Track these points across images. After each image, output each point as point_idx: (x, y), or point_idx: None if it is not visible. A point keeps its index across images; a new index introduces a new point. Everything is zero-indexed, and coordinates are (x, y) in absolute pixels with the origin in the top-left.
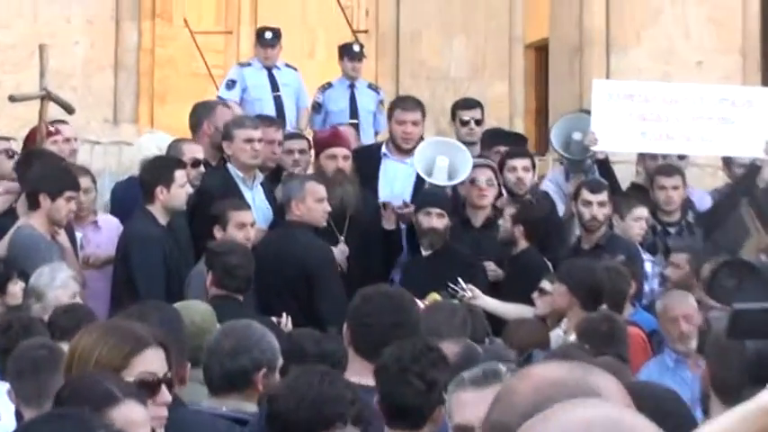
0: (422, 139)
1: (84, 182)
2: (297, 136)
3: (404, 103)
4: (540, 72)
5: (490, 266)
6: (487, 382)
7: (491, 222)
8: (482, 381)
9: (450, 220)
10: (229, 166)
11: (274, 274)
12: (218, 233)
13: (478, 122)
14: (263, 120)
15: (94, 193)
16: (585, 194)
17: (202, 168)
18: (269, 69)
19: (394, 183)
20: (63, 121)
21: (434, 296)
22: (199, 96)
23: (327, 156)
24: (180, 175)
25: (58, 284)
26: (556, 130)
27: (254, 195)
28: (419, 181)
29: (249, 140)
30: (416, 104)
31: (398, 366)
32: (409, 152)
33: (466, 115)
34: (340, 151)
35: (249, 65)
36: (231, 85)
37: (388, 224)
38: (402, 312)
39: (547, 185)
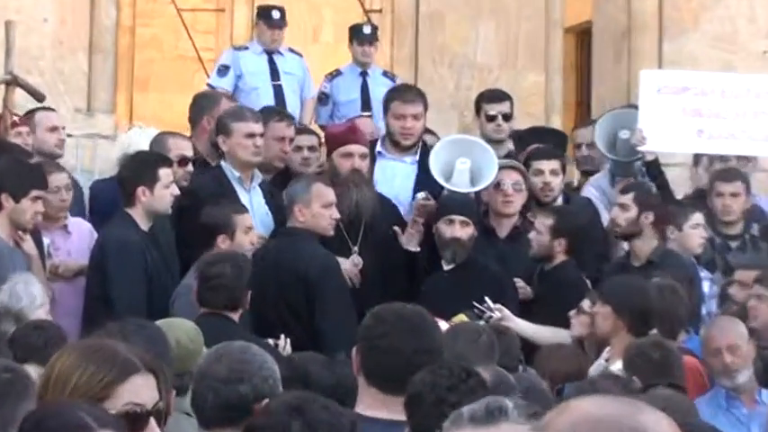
0: (432, 135)
1: (57, 179)
2: (306, 131)
3: (403, 93)
4: (582, 60)
5: (519, 284)
6: (490, 421)
7: (518, 233)
8: (484, 419)
9: (476, 228)
10: (224, 164)
11: (272, 290)
12: (223, 244)
13: (507, 117)
14: (272, 113)
15: (70, 193)
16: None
17: (191, 167)
18: (270, 54)
19: (392, 184)
20: (49, 108)
21: (461, 317)
22: (185, 83)
23: (342, 154)
24: (165, 173)
25: (39, 303)
26: (600, 127)
27: (252, 198)
28: (420, 181)
29: (250, 135)
30: (417, 95)
31: (434, 396)
32: (409, 149)
33: (492, 109)
34: (357, 149)
35: (246, 48)
36: (223, 71)
37: (411, 244)
38: (423, 335)
39: (589, 191)
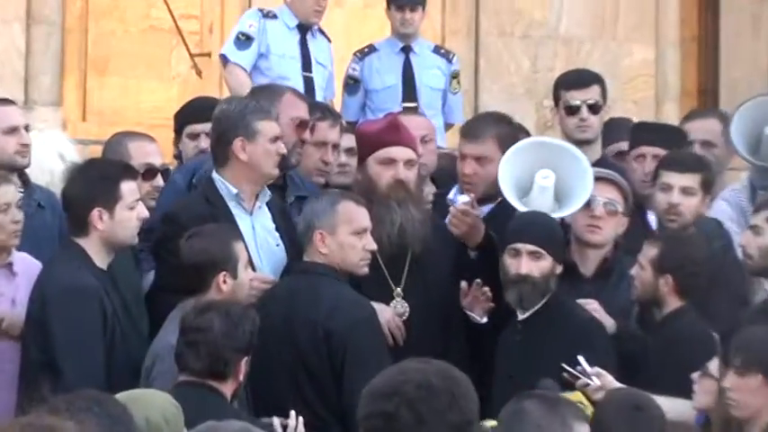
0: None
1: (3, 194)
2: (319, 107)
3: (467, 127)
4: (707, 32)
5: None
6: None
7: (609, 270)
8: None
9: (558, 260)
10: (216, 176)
11: (281, 351)
12: (225, 285)
13: (595, 109)
14: (312, 108)
15: (21, 214)
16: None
17: (160, 180)
18: (303, 33)
19: None
20: (7, 101)
21: (578, 396)
22: (159, 65)
23: (379, 160)
24: (129, 189)
25: None
26: (737, 121)
27: (255, 223)
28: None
29: (276, 139)
30: (488, 124)
31: None
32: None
33: (573, 98)
34: (401, 153)
35: (275, 17)
36: (245, 41)
37: (476, 310)
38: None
39: (719, 209)
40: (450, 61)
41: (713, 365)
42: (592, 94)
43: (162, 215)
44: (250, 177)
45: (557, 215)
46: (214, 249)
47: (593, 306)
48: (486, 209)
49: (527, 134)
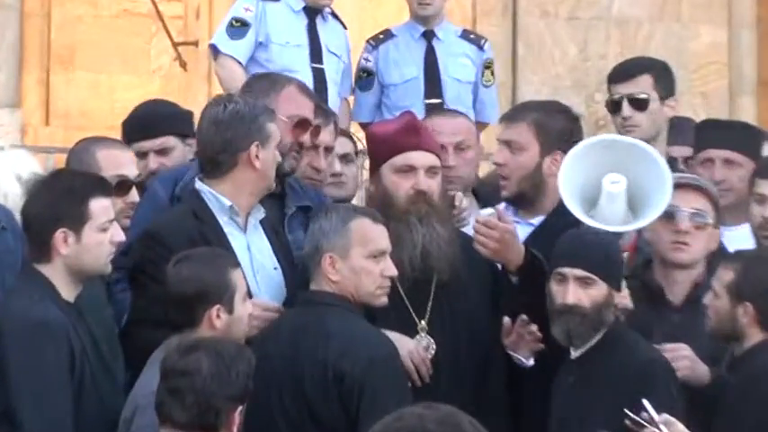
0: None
1: None
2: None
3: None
4: None
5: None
6: None
7: (698, 296)
8: None
9: (614, 286)
10: (202, 187)
11: (282, 396)
12: (218, 321)
13: (640, 104)
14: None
15: None
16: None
17: (135, 195)
18: (311, 16)
19: None
20: None
21: None
22: (136, 56)
23: (397, 167)
24: (100, 207)
25: None
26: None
27: (250, 242)
28: (538, 244)
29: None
30: (523, 111)
31: None
32: (534, 205)
33: (619, 90)
34: (421, 158)
35: None
36: (239, 28)
37: (524, 352)
38: None
39: None
40: (481, 48)
41: None
42: (635, 86)
43: (140, 234)
44: (254, 188)
45: (630, 227)
46: (208, 278)
47: (682, 353)
48: (533, 223)
49: (580, 129)
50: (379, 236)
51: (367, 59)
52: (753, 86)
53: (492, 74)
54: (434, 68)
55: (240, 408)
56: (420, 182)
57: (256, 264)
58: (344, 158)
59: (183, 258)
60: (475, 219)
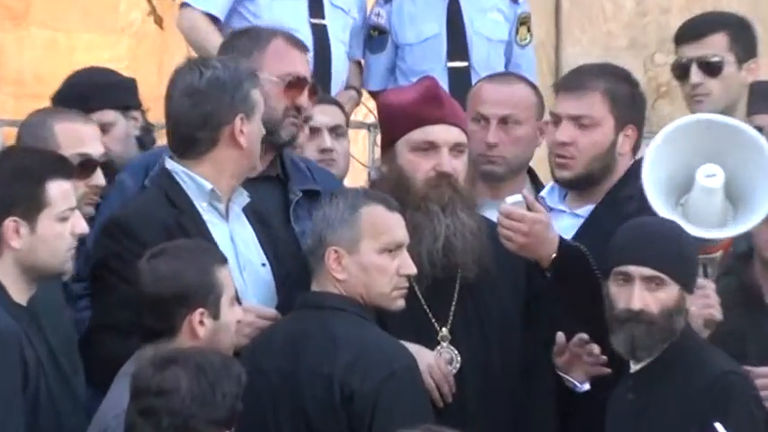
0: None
1: None
2: (325, 100)
3: (565, 80)
4: None
5: None
6: None
7: None
8: None
9: (687, 288)
10: (176, 167)
11: (279, 419)
12: (201, 328)
13: (711, 69)
14: None
15: None
16: None
17: (101, 178)
18: None
19: None
20: None
21: None
22: (102, 10)
23: (416, 144)
24: (60, 192)
25: None
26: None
27: (233, 233)
28: (588, 241)
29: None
30: (586, 76)
31: None
32: (585, 192)
33: (686, 53)
34: (444, 134)
35: None
36: None
37: (576, 373)
38: None
39: None
40: (515, 1)
41: None
42: (709, 47)
43: (105, 223)
44: (237, 169)
45: (728, 233)
46: (189, 277)
47: None
48: (580, 214)
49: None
50: (394, 226)
51: (379, 15)
52: None
53: (529, 31)
54: (459, 24)
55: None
56: (443, 162)
57: (242, 259)
58: (335, 131)
59: (160, 253)
60: (499, 208)
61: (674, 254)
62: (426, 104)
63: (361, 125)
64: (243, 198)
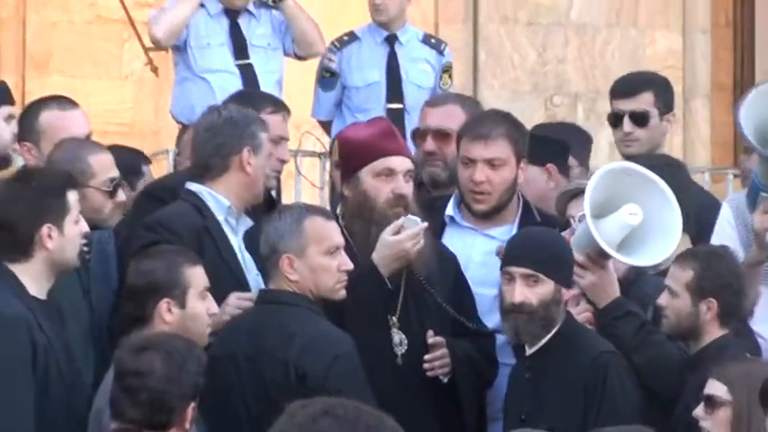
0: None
1: None
2: (268, 100)
3: (473, 125)
4: (742, 16)
5: None
6: None
7: None
8: None
9: (562, 284)
10: (200, 187)
11: (244, 397)
12: (168, 314)
13: (641, 120)
14: (261, 100)
15: None
16: None
17: (123, 195)
18: (232, 16)
19: (469, 271)
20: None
21: None
22: (109, 60)
23: (378, 171)
24: (74, 200)
25: None
26: (747, 108)
27: (241, 246)
28: None
29: (278, 140)
30: (496, 123)
31: None
32: (493, 217)
33: (620, 107)
34: (401, 163)
35: (201, 5)
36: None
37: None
38: None
39: (724, 217)
40: (441, 53)
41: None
42: (639, 103)
43: (145, 223)
44: (244, 193)
45: (621, 258)
46: (158, 272)
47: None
48: (491, 234)
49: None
50: (332, 232)
51: (331, 60)
52: (706, 91)
53: (450, 77)
54: (396, 73)
55: (192, 404)
56: (400, 186)
57: (249, 264)
58: (278, 140)
59: (145, 253)
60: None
61: (549, 255)
62: (385, 139)
63: (313, 153)
64: (247, 223)
